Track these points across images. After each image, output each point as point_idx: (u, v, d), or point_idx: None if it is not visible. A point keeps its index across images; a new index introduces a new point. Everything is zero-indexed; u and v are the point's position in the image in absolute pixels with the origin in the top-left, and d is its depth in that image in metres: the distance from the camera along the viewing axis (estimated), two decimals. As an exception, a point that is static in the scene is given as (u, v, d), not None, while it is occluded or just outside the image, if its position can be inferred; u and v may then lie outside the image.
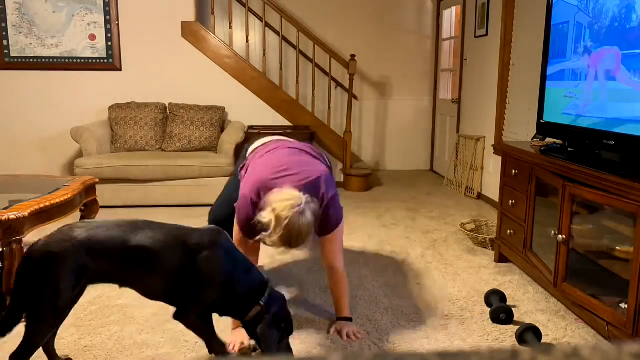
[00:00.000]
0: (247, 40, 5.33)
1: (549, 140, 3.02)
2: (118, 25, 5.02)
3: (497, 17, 4.57)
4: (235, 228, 2.23)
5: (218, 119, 4.91)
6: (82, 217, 3.17)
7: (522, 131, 4.16)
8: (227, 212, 2.49)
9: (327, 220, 2.18)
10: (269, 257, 3.24)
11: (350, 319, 2.36)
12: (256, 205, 2.11)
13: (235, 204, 2.24)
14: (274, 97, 5.28)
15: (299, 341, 2.24)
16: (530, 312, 2.53)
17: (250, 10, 5.49)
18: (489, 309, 2.50)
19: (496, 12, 4.59)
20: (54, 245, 1.68)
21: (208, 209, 4.37)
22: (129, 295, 2.68)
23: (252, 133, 4.91)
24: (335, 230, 2.24)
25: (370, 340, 2.26)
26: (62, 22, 4.99)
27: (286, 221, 1.92)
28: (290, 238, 1.96)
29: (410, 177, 6.00)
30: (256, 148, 2.55)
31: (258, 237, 2.05)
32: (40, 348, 1.83)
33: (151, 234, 1.79)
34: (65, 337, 2.24)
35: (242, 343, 2.18)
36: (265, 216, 1.98)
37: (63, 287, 1.69)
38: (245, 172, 2.40)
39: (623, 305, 2.02)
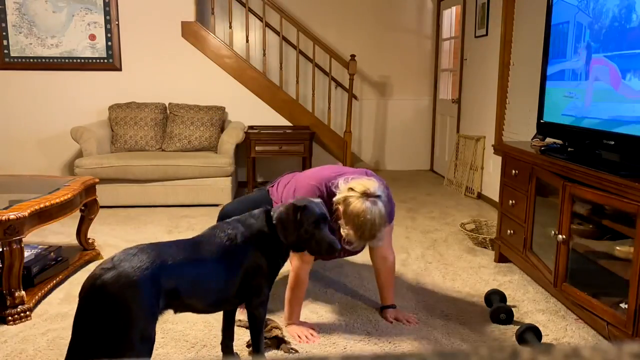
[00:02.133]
0: (247, 40, 5.33)
1: (549, 140, 3.02)
2: (118, 25, 5.02)
3: (497, 17, 4.57)
4: None
5: (218, 119, 4.91)
6: (82, 217, 3.18)
7: (522, 131, 4.16)
8: (238, 207, 2.53)
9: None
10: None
11: (395, 306, 2.47)
12: (321, 195, 2.17)
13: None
14: (274, 97, 5.28)
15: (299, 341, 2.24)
16: (530, 312, 2.53)
17: (250, 10, 5.48)
18: (489, 309, 2.50)
19: (496, 12, 4.59)
20: (133, 273, 1.52)
21: (208, 208, 4.39)
22: (129, 295, 2.68)
23: (252, 133, 4.91)
24: (391, 222, 2.30)
25: (370, 340, 2.26)
26: (62, 22, 4.99)
27: (359, 207, 1.98)
28: (364, 226, 1.99)
29: (410, 177, 6.00)
30: (289, 173, 2.65)
31: None
32: None
33: (209, 247, 1.78)
34: (66, 337, 2.23)
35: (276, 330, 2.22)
36: (342, 191, 2.05)
37: (151, 316, 1.56)
38: (277, 189, 2.50)
39: (623, 305, 2.02)
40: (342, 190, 2.08)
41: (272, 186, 2.61)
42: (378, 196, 2.03)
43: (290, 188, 2.40)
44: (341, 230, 2.08)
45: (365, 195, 2.01)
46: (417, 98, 6.40)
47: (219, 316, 2.44)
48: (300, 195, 2.21)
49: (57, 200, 2.63)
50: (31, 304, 2.46)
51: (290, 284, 2.31)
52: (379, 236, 2.06)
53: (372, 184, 2.06)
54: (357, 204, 2.00)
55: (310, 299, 2.66)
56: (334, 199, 2.10)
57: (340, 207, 2.06)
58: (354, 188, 2.04)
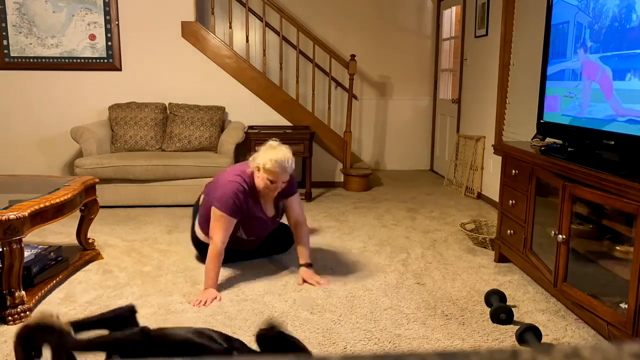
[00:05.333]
0: (247, 40, 5.33)
1: (549, 140, 3.02)
2: (118, 25, 5.02)
3: (497, 17, 4.57)
4: (218, 216, 2.78)
5: (218, 119, 4.91)
6: (82, 217, 3.18)
7: (522, 131, 4.16)
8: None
9: (291, 185, 2.93)
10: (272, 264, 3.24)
11: (311, 265, 2.92)
12: (243, 182, 2.82)
13: (217, 198, 2.81)
14: (274, 97, 5.28)
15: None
16: (530, 312, 2.53)
17: (250, 10, 5.48)
18: (489, 309, 2.50)
19: (496, 12, 4.59)
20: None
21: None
22: (129, 295, 2.68)
23: (252, 133, 4.91)
24: (297, 193, 2.99)
25: (370, 340, 2.26)
26: (62, 22, 4.99)
27: (274, 154, 2.74)
28: (277, 154, 2.73)
29: (410, 177, 6.00)
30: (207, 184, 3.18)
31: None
32: None
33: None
34: (65, 337, 2.24)
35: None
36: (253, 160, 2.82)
37: None
38: (206, 197, 3.01)
39: (623, 305, 2.02)
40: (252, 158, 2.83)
41: (199, 201, 3.12)
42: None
43: (208, 198, 2.93)
44: (261, 179, 2.76)
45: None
46: (417, 98, 6.40)
47: (219, 316, 2.45)
48: (223, 193, 2.78)
49: (57, 200, 2.63)
50: (31, 304, 2.46)
51: (213, 255, 2.74)
52: (291, 164, 2.78)
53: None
54: (265, 151, 2.78)
55: (310, 299, 2.66)
56: (252, 166, 2.82)
57: (257, 163, 2.77)
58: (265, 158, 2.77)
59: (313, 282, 2.80)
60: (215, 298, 2.64)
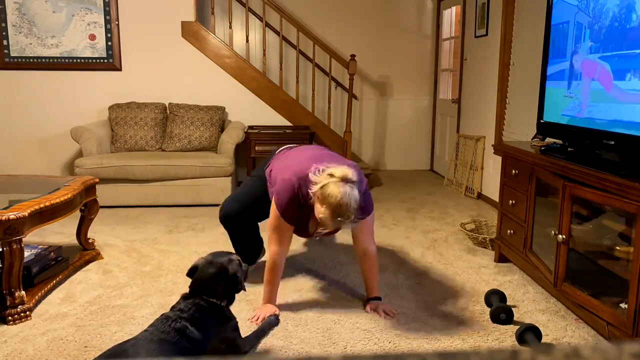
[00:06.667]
0: (247, 40, 5.33)
1: (549, 140, 3.02)
2: (118, 25, 5.02)
3: (497, 17, 4.57)
4: (274, 213, 2.39)
5: (218, 119, 4.91)
6: (82, 217, 3.18)
7: (522, 131, 4.16)
8: (237, 208, 2.76)
9: (364, 206, 2.33)
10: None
11: (380, 298, 2.55)
12: (298, 189, 2.31)
13: (273, 190, 2.45)
14: (274, 97, 5.28)
15: (299, 340, 2.24)
16: (530, 312, 2.53)
17: (250, 10, 5.48)
18: (489, 309, 2.50)
19: (496, 12, 4.59)
20: None
21: (208, 209, 4.39)
22: (129, 295, 2.68)
23: (252, 133, 4.91)
24: (369, 215, 2.44)
25: (370, 340, 2.26)
26: (62, 22, 4.99)
27: (337, 191, 2.12)
28: (340, 208, 2.12)
29: (410, 177, 6.00)
30: (282, 149, 2.76)
31: (296, 223, 2.38)
32: None
33: None
34: (66, 337, 2.24)
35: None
36: (320, 181, 2.18)
37: None
38: (272, 172, 2.59)
39: (623, 305, 2.02)
40: (322, 177, 2.20)
41: (267, 167, 2.69)
42: (355, 182, 2.18)
43: (274, 177, 2.52)
44: (316, 213, 2.22)
45: (344, 180, 2.15)
46: (417, 98, 6.40)
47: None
48: (278, 190, 2.37)
49: (57, 200, 2.63)
50: (31, 304, 2.46)
51: (269, 267, 2.46)
52: (353, 219, 2.19)
53: (351, 172, 2.20)
54: (335, 188, 2.13)
55: (311, 299, 2.66)
56: (313, 189, 2.21)
57: (318, 192, 2.18)
58: (333, 174, 2.18)
59: (380, 313, 2.45)
60: (274, 313, 2.42)
